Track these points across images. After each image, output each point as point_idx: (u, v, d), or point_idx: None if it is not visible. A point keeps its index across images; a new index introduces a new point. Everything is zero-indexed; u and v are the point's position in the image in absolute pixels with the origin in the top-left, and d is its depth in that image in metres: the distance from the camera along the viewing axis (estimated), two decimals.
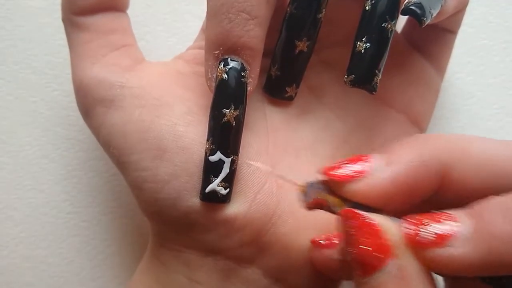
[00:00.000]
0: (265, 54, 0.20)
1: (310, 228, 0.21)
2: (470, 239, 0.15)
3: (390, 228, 0.16)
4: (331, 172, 0.17)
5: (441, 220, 0.15)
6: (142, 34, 0.26)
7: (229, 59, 0.19)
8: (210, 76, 0.19)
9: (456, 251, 0.15)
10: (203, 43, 0.20)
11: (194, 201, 0.20)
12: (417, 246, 0.15)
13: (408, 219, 0.16)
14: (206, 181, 0.19)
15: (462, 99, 0.27)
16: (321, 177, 0.18)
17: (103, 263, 0.27)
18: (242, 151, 0.20)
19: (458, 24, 0.23)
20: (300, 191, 0.18)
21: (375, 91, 0.19)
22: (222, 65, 0.19)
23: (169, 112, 0.20)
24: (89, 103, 0.21)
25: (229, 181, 0.20)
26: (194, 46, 0.23)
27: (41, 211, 0.27)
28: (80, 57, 0.22)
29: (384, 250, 0.15)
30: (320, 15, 0.20)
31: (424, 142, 0.17)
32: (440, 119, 0.27)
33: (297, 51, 0.20)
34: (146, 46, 0.27)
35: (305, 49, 0.21)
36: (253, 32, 0.19)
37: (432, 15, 0.18)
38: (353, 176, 0.17)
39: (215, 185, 0.19)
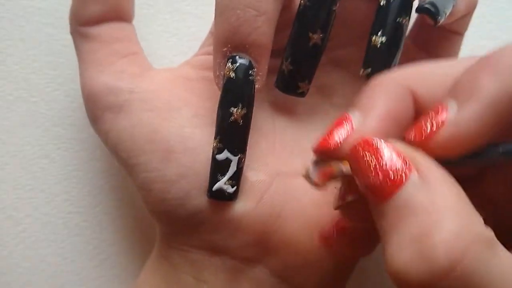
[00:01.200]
0: (273, 54, 0.20)
1: (316, 229, 0.21)
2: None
3: (400, 144, 0.15)
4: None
5: (433, 113, 0.15)
6: (142, 34, 0.26)
7: (237, 56, 0.19)
8: (218, 73, 0.19)
9: (456, 120, 0.15)
10: (210, 48, 0.20)
11: (202, 200, 0.20)
12: (425, 141, 0.15)
13: (408, 130, 0.16)
14: (214, 179, 0.20)
15: None
16: (314, 156, 0.17)
17: (104, 263, 0.27)
18: (248, 151, 0.20)
19: (465, 26, 0.23)
20: (305, 177, 0.17)
21: None
22: (230, 63, 0.19)
23: (176, 115, 0.21)
24: (98, 110, 0.21)
25: (236, 179, 0.20)
26: (201, 52, 0.23)
27: (42, 211, 0.27)
28: (88, 66, 0.22)
29: (404, 163, 0.14)
30: (334, 8, 0.20)
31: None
32: None
33: (311, 43, 0.20)
34: (147, 46, 0.27)
35: (319, 42, 0.20)
36: (262, 29, 0.19)
37: (445, 14, 0.19)
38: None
39: (222, 183, 0.19)
